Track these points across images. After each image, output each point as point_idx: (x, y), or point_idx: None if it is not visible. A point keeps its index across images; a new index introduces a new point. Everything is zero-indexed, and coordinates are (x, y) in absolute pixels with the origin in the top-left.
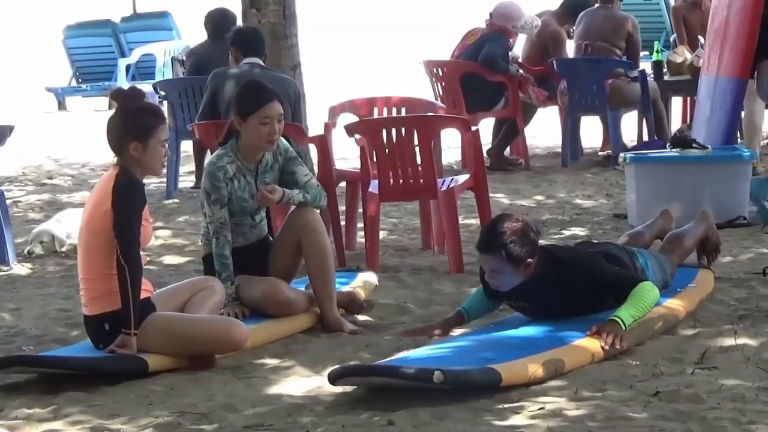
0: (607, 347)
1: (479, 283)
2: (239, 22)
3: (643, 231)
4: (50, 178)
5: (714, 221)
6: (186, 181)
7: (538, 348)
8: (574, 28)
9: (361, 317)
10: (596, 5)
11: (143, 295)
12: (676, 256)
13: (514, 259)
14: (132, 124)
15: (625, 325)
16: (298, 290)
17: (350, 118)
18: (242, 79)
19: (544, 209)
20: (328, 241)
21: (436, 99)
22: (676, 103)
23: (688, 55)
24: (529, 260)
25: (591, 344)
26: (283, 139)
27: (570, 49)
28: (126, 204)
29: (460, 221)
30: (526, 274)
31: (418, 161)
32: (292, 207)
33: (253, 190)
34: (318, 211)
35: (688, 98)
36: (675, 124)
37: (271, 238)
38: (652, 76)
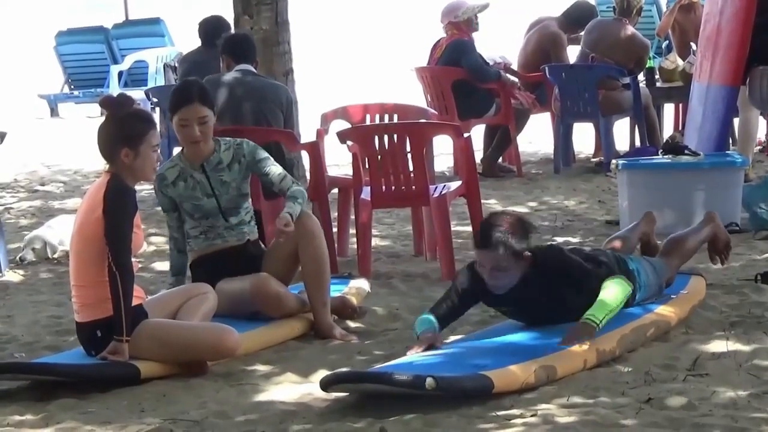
0: (583, 347)
1: None
2: (232, 29)
3: (627, 235)
4: (42, 185)
5: (720, 221)
6: None
7: (530, 355)
8: (583, 34)
9: (353, 324)
10: (613, 17)
11: (135, 301)
12: (676, 259)
13: (516, 252)
14: (122, 131)
15: (598, 324)
16: (288, 289)
17: (342, 124)
18: (234, 87)
19: (536, 216)
20: (326, 247)
21: (428, 106)
22: (669, 109)
23: (680, 62)
24: (527, 253)
25: (583, 350)
26: (249, 142)
27: (573, 53)
28: (117, 211)
29: (453, 228)
30: (523, 269)
31: (410, 168)
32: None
33: (207, 188)
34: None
35: (680, 105)
36: (667, 130)
37: (262, 245)
38: (644, 82)
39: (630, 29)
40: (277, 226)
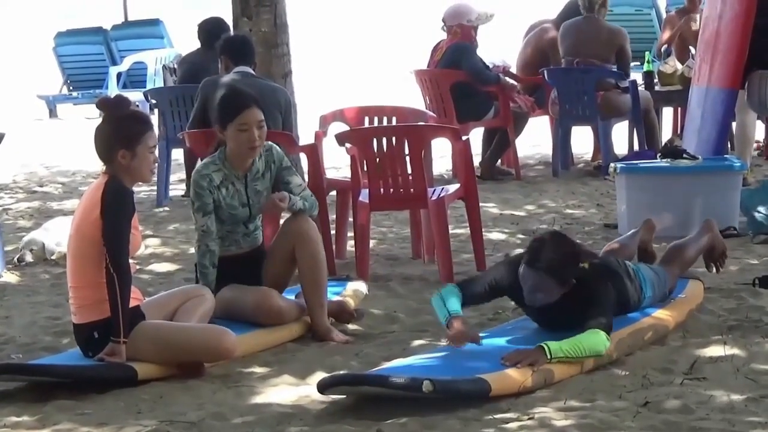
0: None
1: None
2: (231, 31)
3: (627, 242)
4: (41, 186)
5: (718, 229)
6: (177, 190)
7: None
8: (558, 44)
9: (351, 326)
10: (581, 16)
11: (133, 303)
12: (677, 267)
13: (562, 281)
14: (119, 132)
15: (550, 357)
16: (290, 300)
17: (341, 127)
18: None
19: (534, 219)
20: (322, 250)
21: (427, 108)
22: (667, 113)
23: (679, 66)
24: (573, 281)
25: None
26: (277, 148)
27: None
28: (115, 212)
29: (451, 231)
30: (563, 293)
31: (409, 170)
32: (285, 215)
33: (243, 197)
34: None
35: (679, 108)
36: (666, 134)
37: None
38: (643, 86)
39: (600, 22)
40: (272, 197)
